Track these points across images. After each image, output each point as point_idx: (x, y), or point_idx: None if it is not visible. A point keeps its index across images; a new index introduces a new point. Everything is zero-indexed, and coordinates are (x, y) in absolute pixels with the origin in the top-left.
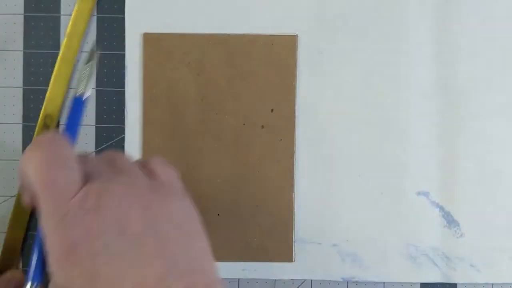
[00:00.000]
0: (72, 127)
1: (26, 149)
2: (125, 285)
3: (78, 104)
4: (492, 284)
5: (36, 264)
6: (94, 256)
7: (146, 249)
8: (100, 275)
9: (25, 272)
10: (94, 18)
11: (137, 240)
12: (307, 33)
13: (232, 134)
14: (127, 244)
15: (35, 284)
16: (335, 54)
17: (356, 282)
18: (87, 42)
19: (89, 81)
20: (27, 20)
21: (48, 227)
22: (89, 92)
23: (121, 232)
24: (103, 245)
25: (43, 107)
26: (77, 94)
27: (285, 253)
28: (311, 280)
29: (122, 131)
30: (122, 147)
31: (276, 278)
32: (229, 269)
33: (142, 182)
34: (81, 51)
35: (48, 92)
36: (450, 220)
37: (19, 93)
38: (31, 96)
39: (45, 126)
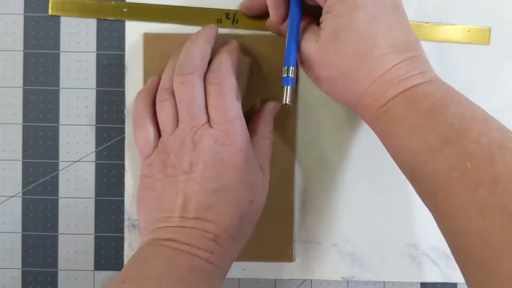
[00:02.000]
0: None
1: None
2: (396, 32)
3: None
4: None
5: (290, 52)
6: (377, 4)
7: (391, 19)
8: (377, 20)
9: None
10: (94, 19)
11: (388, 10)
12: None
13: None
14: (383, 12)
15: (291, 68)
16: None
17: (356, 282)
18: (87, 42)
19: None
20: (27, 20)
21: None
22: None
23: (376, 3)
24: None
25: None
26: None
27: (285, 253)
28: (311, 280)
29: (122, 131)
30: (123, 147)
31: (276, 278)
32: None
33: None
34: None
35: None
36: None
37: (19, 93)
38: (31, 96)
39: None
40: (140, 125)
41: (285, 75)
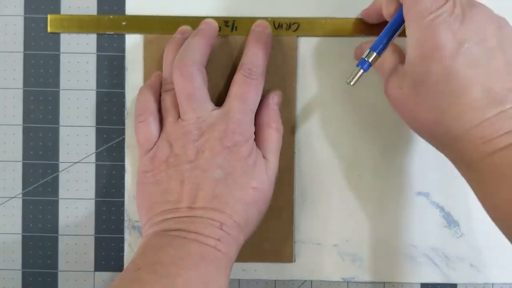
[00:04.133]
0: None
1: None
2: (476, 87)
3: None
4: (492, 284)
5: (382, 40)
6: (455, 58)
7: (496, 62)
8: (455, 74)
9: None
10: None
11: (491, 53)
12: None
13: None
14: (483, 54)
15: (374, 54)
16: (335, 55)
17: (356, 283)
18: (87, 44)
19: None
20: (27, 21)
21: (415, 27)
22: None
23: (479, 42)
24: (465, 49)
25: None
26: None
27: (285, 254)
28: (311, 281)
29: (122, 132)
30: (123, 149)
31: (276, 279)
32: None
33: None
34: None
35: None
36: (450, 220)
37: (19, 94)
38: (31, 98)
39: None
40: (142, 119)
41: (364, 57)
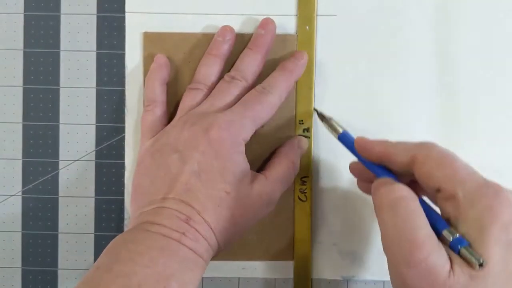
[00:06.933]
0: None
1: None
2: None
3: (344, 139)
4: None
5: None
6: None
7: None
8: None
9: None
10: (94, 18)
11: None
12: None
13: None
14: None
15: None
16: (335, 55)
17: (356, 281)
18: (87, 42)
19: (334, 127)
20: (27, 19)
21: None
22: (341, 130)
23: None
24: None
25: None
26: (337, 134)
27: (285, 252)
28: (311, 279)
29: (122, 130)
30: (123, 146)
31: (276, 277)
32: (229, 268)
33: None
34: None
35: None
36: None
37: (19, 92)
38: (31, 95)
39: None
40: (149, 109)
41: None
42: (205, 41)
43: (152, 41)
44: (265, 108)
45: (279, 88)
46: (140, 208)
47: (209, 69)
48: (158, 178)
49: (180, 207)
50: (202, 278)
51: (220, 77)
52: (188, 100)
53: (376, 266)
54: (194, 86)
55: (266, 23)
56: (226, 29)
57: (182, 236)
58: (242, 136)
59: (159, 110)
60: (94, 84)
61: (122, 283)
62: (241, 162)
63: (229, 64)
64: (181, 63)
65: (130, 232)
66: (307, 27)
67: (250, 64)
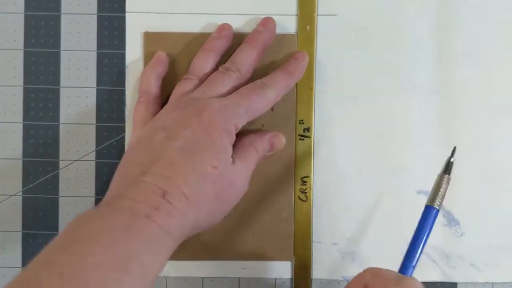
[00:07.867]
0: (420, 234)
1: None
2: None
3: (429, 213)
4: (493, 283)
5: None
6: None
7: None
8: None
9: None
10: (95, 17)
11: None
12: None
13: None
14: None
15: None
16: (335, 55)
17: None
18: (87, 41)
19: (443, 197)
20: (27, 19)
21: None
22: (440, 207)
23: None
24: None
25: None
26: (432, 204)
27: (285, 252)
28: (311, 279)
29: (122, 130)
30: (123, 146)
31: (276, 277)
32: (229, 268)
33: None
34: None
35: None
36: (450, 219)
37: (19, 92)
38: (32, 95)
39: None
40: (142, 100)
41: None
42: (205, 40)
43: (153, 41)
44: (261, 100)
45: (278, 85)
46: (117, 183)
47: (202, 62)
48: (140, 153)
49: (158, 181)
50: (202, 278)
51: (214, 70)
52: (179, 89)
53: (376, 266)
54: (186, 77)
55: (266, 22)
56: (223, 26)
57: (153, 211)
58: (234, 121)
59: (152, 102)
60: (94, 84)
61: (76, 263)
62: (228, 145)
63: (226, 60)
64: (181, 62)
65: (96, 208)
66: (308, 27)
67: (245, 57)
